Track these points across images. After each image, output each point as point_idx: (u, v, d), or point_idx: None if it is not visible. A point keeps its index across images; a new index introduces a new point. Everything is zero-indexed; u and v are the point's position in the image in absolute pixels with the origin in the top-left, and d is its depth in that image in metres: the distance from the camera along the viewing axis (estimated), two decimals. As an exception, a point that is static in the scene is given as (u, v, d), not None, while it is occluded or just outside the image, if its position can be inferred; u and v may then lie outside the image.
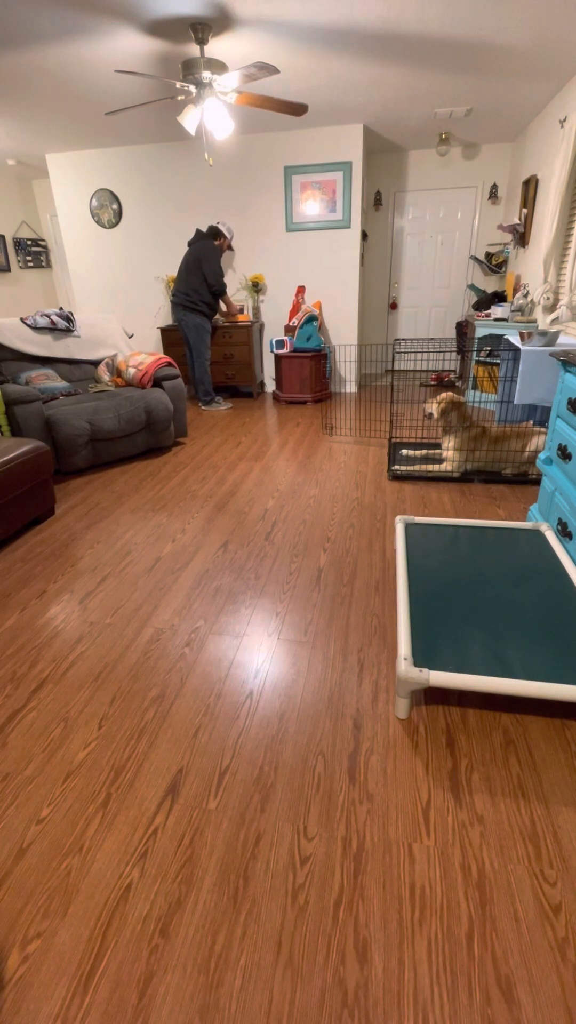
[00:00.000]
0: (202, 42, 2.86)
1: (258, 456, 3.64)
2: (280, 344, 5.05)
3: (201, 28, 2.80)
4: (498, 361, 4.58)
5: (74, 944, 0.96)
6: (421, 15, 2.76)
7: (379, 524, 2.57)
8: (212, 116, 3.07)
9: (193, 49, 3.12)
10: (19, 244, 6.31)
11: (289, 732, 1.39)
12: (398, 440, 3.77)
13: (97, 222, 5.53)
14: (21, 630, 1.86)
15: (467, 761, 1.29)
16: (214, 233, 4.62)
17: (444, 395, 3.11)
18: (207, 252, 4.52)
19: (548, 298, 3.97)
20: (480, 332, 4.59)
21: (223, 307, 5.06)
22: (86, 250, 5.69)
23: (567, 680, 1.31)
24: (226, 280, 5.22)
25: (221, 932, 0.97)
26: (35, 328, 3.69)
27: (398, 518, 2.17)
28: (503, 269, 5.67)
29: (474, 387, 4.92)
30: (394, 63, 3.35)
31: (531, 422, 3.20)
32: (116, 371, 3.89)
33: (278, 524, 2.60)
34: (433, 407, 3.13)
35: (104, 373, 3.86)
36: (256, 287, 5.39)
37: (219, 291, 4.62)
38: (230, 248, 4.87)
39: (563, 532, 2.02)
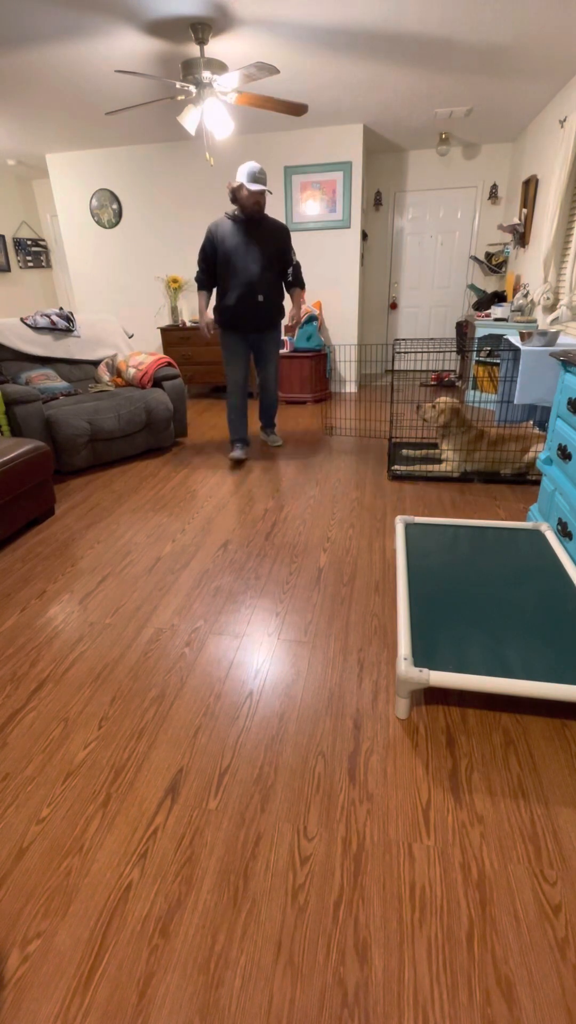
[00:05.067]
0: (202, 42, 2.86)
1: (258, 456, 3.64)
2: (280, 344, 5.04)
3: (201, 28, 2.80)
4: (498, 361, 4.58)
5: (74, 944, 0.96)
6: (421, 15, 2.76)
7: (379, 524, 2.57)
8: (212, 116, 3.07)
9: (193, 49, 3.12)
10: (19, 244, 6.31)
11: (289, 732, 1.39)
12: (398, 440, 3.77)
13: (97, 222, 5.53)
14: (21, 630, 1.86)
15: (467, 761, 1.29)
16: (230, 196, 3.12)
17: (444, 402, 3.09)
18: None
19: (548, 298, 3.97)
20: (480, 332, 4.59)
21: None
22: (86, 250, 5.69)
23: (567, 680, 1.31)
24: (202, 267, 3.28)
25: (221, 932, 0.97)
26: (35, 328, 3.69)
27: (398, 518, 2.17)
28: (503, 269, 5.67)
29: (474, 387, 4.92)
30: (394, 63, 3.35)
31: (531, 422, 3.20)
32: (116, 371, 3.89)
33: (278, 524, 2.60)
34: (429, 413, 3.11)
35: (104, 373, 3.86)
36: (256, 287, 5.39)
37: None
38: (253, 197, 2.99)
39: (563, 532, 2.02)
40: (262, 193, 3.00)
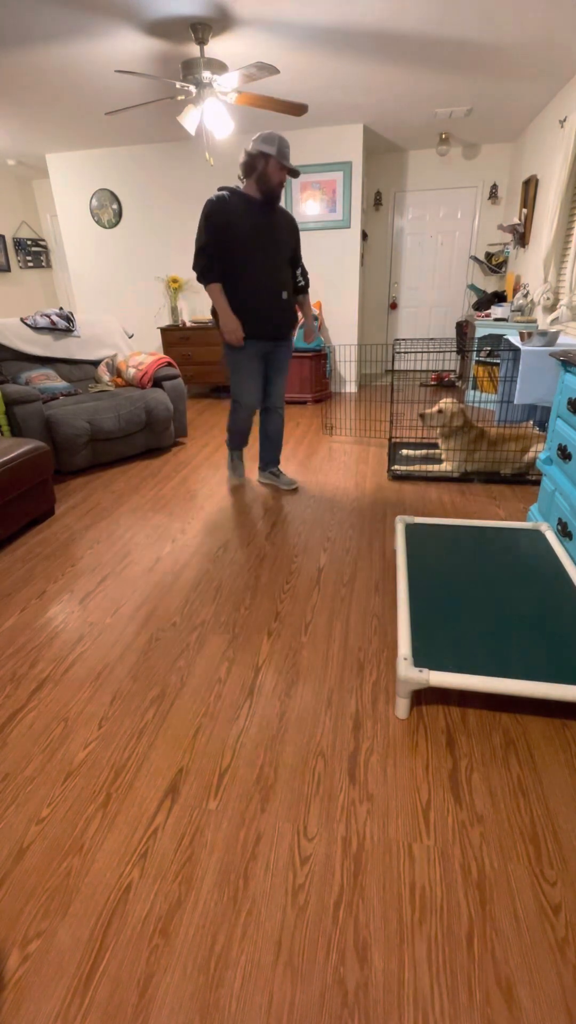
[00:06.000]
0: (202, 42, 2.86)
1: (258, 456, 3.63)
2: (280, 344, 5.03)
3: (201, 28, 2.80)
4: (498, 361, 4.58)
5: (74, 944, 0.96)
6: (421, 15, 2.76)
7: (379, 524, 2.57)
8: (212, 116, 3.07)
9: (193, 49, 3.12)
10: (19, 244, 6.31)
11: (289, 732, 1.39)
12: (398, 440, 3.77)
13: (97, 222, 5.53)
14: (21, 630, 1.86)
15: (467, 761, 1.29)
16: (245, 167, 2.44)
17: (449, 403, 3.07)
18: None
19: (548, 298, 3.97)
20: (480, 332, 4.59)
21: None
22: (86, 250, 5.69)
23: (567, 680, 1.31)
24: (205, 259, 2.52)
25: (221, 932, 0.97)
26: (35, 328, 3.69)
27: (398, 518, 2.17)
28: (503, 269, 5.67)
29: (474, 387, 4.92)
30: (394, 63, 3.35)
31: (531, 422, 3.20)
32: (116, 371, 3.90)
33: (278, 524, 2.60)
34: (436, 419, 3.08)
35: (104, 373, 3.86)
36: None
37: (196, 276, 2.56)
38: (291, 173, 2.41)
39: (563, 532, 2.02)
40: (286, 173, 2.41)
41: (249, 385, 2.71)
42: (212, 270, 2.49)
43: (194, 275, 5.51)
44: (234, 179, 5.05)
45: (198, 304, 5.69)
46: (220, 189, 2.48)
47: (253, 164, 2.40)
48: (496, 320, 4.49)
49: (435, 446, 3.53)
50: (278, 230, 2.54)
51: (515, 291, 4.91)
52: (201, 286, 5.58)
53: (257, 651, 1.71)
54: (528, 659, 1.39)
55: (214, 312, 2.60)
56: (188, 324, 5.41)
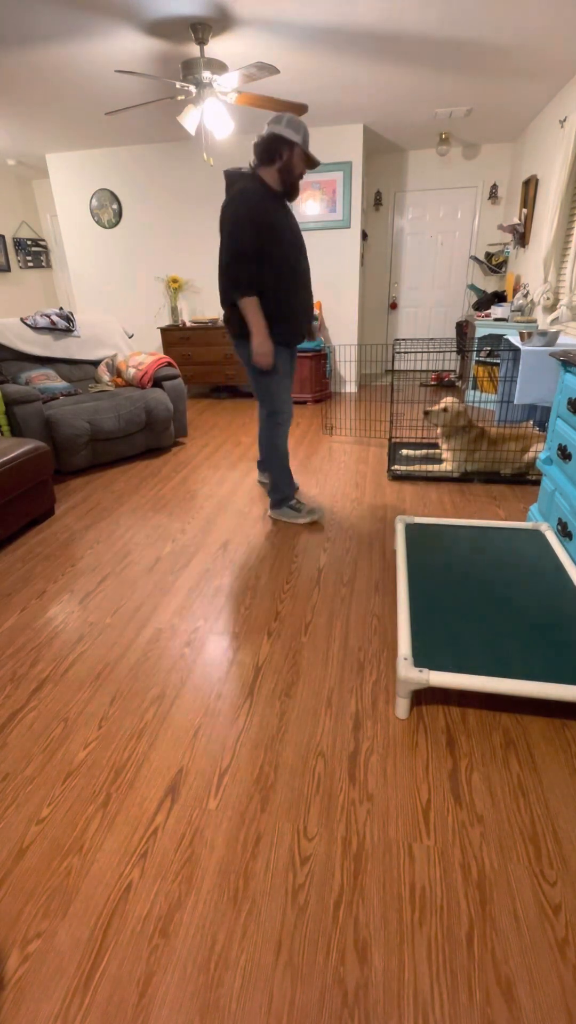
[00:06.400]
0: (202, 42, 2.86)
1: (259, 457, 3.63)
2: (280, 344, 5.02)
3: (201, 28, 2.80)
4: (498, 361, 4.58)
5: (74, 944, 0.96)
6: (421, 15, 2.76)
7: (379, 524, 2.57)
8: (212, 116, 3.07)
9: (193, 49, 3.12)
10: (19, 244, 6.31)
11: (289, 732, 1.39)
12: (398, 440, 3.77)
13: (97, 222, 5.53)
14: (21, 630, 1.86)
15: (467, 761, 1.29)
16: (264, 151, 2.11)
17: (452, 402, 3.06)
18: (226, 208, 2.12)
19: (548, 298, 3.97)
20: (480, 332, 4.59)
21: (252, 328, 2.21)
22: (86, 250, 5.69)
23: (567, 680, 1.31)
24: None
25: (221, 932, 0.97)
26: (35, 328, 3.69)
27: (398, 518, 2.17)
28: (503, 269, 5.67)
29: (474, 387, 4.92)
30: (394, 63, 3.35)
31: (531, 422, 3.20)
32: (116, 371, 3.90)
33: (278, 523, 2.60)
34: (441, 417, 3.07)
35: (104, 373, 3.86)
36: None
37: (229, 286, 2.16)
38: (309, 164, 2.15)
39: (563, 532, 2.02)
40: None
41: (288, 389, 2.44)
42: (250, 280, 2.13)
43: (194, 276, 5.53)
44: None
45: (198, 304, 5.69)
46: (233, 173, 2.16)
47: (276, 150, 2.08)
48: (496, 320, 4.49)
49: (435, 446, 3.53)
50: (296, 225, 2.27)
51: (515, 291, 4.91)
52: (201, 287, 5.58)
53: (257, 651, 1.71)
54: (528, 659, 1.39)
55: (227, 319, 2.31)
56: (188, 324, 5.41)
